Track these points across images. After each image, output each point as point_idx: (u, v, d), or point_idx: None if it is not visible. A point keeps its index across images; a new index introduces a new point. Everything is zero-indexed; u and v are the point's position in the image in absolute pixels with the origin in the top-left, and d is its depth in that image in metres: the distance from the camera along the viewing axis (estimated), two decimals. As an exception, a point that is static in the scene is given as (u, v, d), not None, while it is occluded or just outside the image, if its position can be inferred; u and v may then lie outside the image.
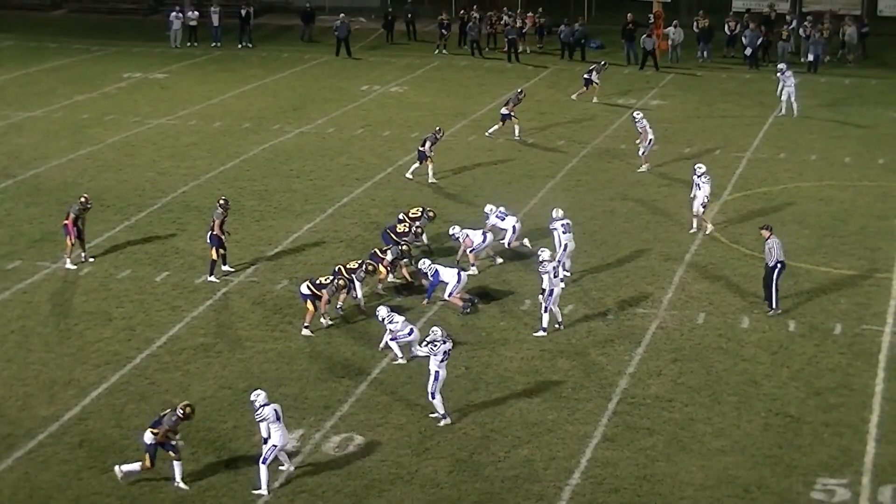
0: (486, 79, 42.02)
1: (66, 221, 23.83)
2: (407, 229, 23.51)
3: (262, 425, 16.26)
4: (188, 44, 47.74)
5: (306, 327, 20.84)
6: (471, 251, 23.48)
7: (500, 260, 24.04)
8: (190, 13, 48.12)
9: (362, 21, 51.99)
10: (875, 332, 20.91)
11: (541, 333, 20.80)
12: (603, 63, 39.13)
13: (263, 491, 16.04)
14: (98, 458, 16.96)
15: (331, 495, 16.07)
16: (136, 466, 16.25)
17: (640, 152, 30.33)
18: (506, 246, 24.25)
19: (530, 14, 47.39)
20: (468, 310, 21.61)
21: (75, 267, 23.78)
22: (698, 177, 25.31)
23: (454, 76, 42.71)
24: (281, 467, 16.40)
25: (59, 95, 39.12)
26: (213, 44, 47.72)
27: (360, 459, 16.90)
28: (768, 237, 21.54)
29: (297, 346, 20.49)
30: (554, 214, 23.29)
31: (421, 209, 24.29)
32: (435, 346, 17.75)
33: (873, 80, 41.66)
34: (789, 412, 18.13)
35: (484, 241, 23.56)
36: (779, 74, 36.38)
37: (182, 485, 16.23)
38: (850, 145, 32.96)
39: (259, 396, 16.42)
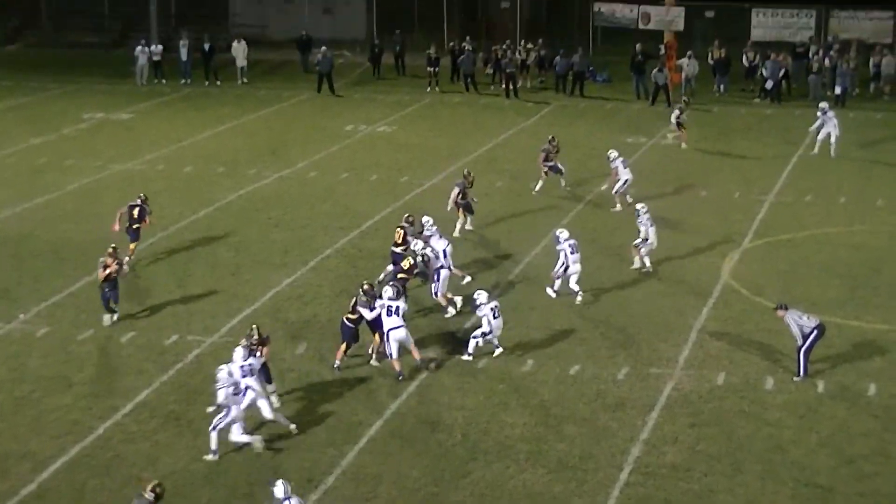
0: (482, 116, 42.34)
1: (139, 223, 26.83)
2: (400, 239, 25.11)
3: None
4: (155, 80, 48.09)
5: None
6: (435, 294, 24.35)
7: (468, 278, 25.54)
8: (154, 47, 48.44)
9: (346, 55, 52.43)
10: (912, 393, 21.00)
11: (499, 351, 22.34)
12: (685, 99, 40.55)
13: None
14: (57, 539, 16.95)
15: (315, 578, 16.01)
16: None
17: (614, 191, 30.97)
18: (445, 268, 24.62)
19: (531, 45, 47.57)
20: (449, 312, 23.53)
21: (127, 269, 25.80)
22: (639, 217, 26.28)
23: (447, 114, 43.04)
24: None
25: (13, 138, 39.29)
26: (183, 80, 48.08)
27: (347, 538, 16.91)
28: (783, 315, 21.47)
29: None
30: (560, 235, 24.75)
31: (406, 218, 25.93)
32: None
33: (907, 113, 42.02)
34: (819, 482, 18.14)
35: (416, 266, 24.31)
36: (819, 114, 35.99)
37: None
38: (883, 186, 33.12)
39: (279, 489, 15.78)
